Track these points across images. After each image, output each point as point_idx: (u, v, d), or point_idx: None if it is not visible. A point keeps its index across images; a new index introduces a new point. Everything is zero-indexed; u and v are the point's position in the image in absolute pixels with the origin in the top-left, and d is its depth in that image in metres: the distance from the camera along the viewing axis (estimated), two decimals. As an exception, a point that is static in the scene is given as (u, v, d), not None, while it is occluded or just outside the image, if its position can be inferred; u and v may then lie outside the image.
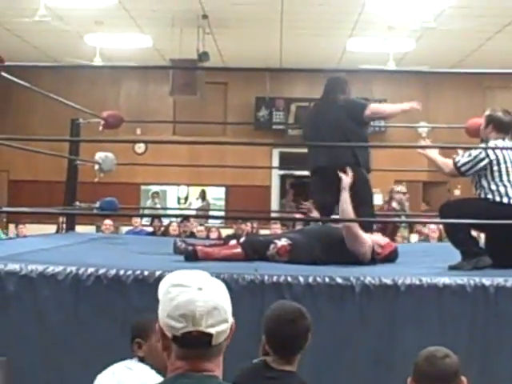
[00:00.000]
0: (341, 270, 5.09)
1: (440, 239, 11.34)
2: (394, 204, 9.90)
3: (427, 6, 11.07)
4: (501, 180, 5.60)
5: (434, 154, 5.93)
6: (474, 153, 5.65)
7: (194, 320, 1.94)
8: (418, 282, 4.69)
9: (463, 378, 3.02)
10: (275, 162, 16.64)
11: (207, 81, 13.63)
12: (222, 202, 17.34)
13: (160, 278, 4.55)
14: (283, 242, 5.75)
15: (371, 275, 4.73)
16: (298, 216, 8.92)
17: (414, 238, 12.01)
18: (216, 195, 17.77)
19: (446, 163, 5.80)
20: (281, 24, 12.39)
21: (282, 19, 12.18)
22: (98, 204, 8.32)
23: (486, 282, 4.74)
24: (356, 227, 5.78)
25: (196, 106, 15.17)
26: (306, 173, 16.85)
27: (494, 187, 5.61)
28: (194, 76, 12.31)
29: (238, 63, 13.74)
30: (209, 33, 12.75)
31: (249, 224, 13.18)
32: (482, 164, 5.60)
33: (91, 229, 13.00)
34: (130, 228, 13.85)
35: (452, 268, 5.46)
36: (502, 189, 5.60)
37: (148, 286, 4.48)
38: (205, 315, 1.94)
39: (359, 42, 13.53)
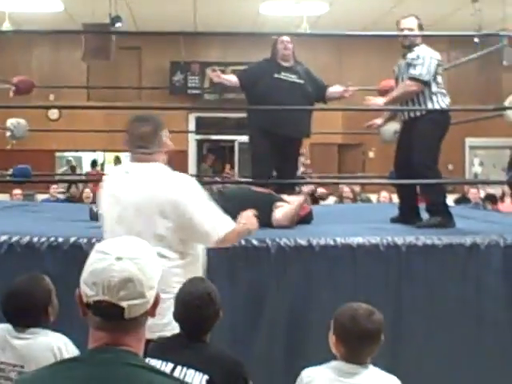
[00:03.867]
0: (256, 232, 5.12)
1: (354, 200, 11.51)
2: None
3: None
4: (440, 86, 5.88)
5: (388, 98, 6.02)
6: (421, 58, 5.80)
7: (104, 290, 1.88)
8: (332, 243, 4.76)
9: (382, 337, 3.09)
10: (191, 127, 16.57)
11: (121, 46, 13.44)
12: (139, 168, 17.16)
13: (75, 244, 4.52)
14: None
15: (286, 237, 4.77)
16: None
17: (331, 199, 12.14)
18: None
19: (406, 85, 5.87)
20: (194, -13, 12.29)
21: (196, -18, 12.09)
22: (10, 171, 8.17)
23: (398, 240, 4.84)
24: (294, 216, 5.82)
25: (110, 71, 14.96)
26: (223, 137, 16.97)
27: (439, 95, 5.85)
28: (106, 41, 12.09)
29: (152, 28, 13.57)
30: (121, -4, 12.55)
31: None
32: (434, 64, 5.79)
33: (5, 197, 12.75)
34: (47, 196, 13.59)
35: (420, 226, 5.65)
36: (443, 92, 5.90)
37: (63, 253, 4.45)
38: (117, 286, 1.88)
39: (272, 5, 13.51)
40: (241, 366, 3.03)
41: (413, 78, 5.81)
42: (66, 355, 3.03)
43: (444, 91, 5.93)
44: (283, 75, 6.68)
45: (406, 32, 6.02)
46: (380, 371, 3.08)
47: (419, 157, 5.79)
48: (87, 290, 1.91)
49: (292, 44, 6.85)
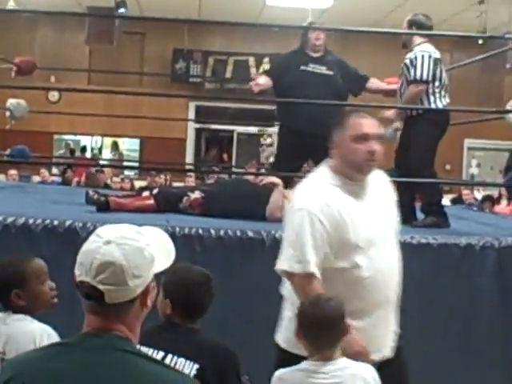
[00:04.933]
0: (253, 223, 5.12)
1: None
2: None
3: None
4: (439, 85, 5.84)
5: (391, 112, 6.06)
6: (419, 58, 5.78)
7: (87, 271, 1.88)
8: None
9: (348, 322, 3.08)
10: (191, 115, 16.55)
11: (124, 30, 13.43)
12: (137, 154, 17.20)
13: (70, 227, 4.51)
14: (196, 194, 5.75)
15: (282, 229, 4.77)
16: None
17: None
18: (131, 147, 17.62)
19: (412, 91, 5.81)
20: (201, -25, 12.27)
21: (202, -30, 12.06)
22: (8, 151, 8.16)
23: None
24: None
25: (112, 55, 14.94)
26: (222, 127, 16.96)
27: (437, 94, 5.84)
28: (110, 25, 12.08)
29: (157, 13, 13.54)
30: (127, -19, 12.54)
31: (162, 176, 13.12)
32: (432, 62, 5.76)
33: (1, 177, 12.74)
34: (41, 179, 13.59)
35: (415, 225, 5.63)
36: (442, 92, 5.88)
37: (58, 236, 4.44)
38: (96, 268, 1.87)
39: (279, -4, 13.51)
40: (233, 355, 3.02)
41: (414, 81, 5.80)
42: None
43: (443, 91, 5.91)
44: (311, 67, 6.35)
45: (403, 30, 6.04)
46: (352, 362, 3.07)
47: (415, 156, 5.81)
48: (76, 270, 1.92)
49: (324, 34, 6.52)
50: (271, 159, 10.15)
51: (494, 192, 12.01)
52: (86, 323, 1.94)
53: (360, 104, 6.16)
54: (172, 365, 2.86)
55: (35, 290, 3.12)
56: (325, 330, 3.02)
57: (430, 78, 5.80)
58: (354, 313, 3.17)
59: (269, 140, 10.70)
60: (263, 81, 6.48)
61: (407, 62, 5.86)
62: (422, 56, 5.79)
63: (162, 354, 2.93)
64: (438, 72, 5.85)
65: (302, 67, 6.35)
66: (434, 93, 5.85)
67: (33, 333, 2.99)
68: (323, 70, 6.34)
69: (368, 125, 3.34)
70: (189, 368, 2.91)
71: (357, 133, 3.31)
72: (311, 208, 3.25)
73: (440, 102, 5.87)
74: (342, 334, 3.05)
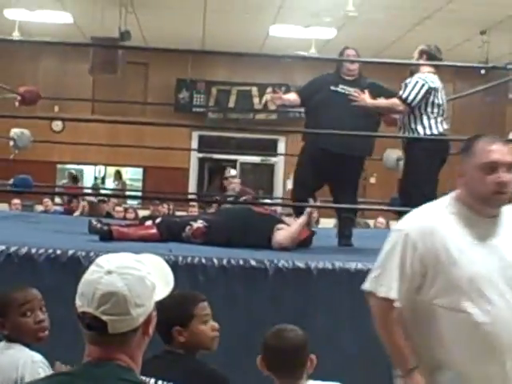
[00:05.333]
0: (255, 252, 5.12)
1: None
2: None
3: (350, -5, 11.17)
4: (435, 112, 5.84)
5: (374, 101, 6.04)
6: (413, 82, 5.83)
7: (89, 302, 1.87)
8: (330, 267, 4.75)
9: (312, 356, 3.07)
10: (194, 145, 16.60)
11: (128, 60, 13.49)
12: (140, 183, 17.21)
13: (73, 257, 4.51)
14: (199, 223, 5.75)
15: (285, 258, 4.76)
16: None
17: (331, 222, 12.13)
18: (134, 176, 17.64)
19: (394, 102, 5.91)
20: (204, 6, 12.32)
21: (206, 1, 12.12)
22: (11, 181, 8.18)
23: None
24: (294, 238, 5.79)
25: (116, 85, 14.98)
26: (225, 156, 16.97)
27: (432, 120, 5.84)
28: (114, 55, 12.15)
29: (160, 44, 13.62)
30: (131, 12, 12.59)
31: (165, 206, 13.11)
32: (424, 90, 5.78)
33: (4, 206, 12.74)
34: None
35: None
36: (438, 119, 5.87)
37: (61, 265, 4.43)
38: (99, 299, 1.87)
39: (282, 28, 13.56)
40: (225, 382, 3.03)
41: (400, 98, 5.87)
42: (27, 377, 2.88)
43: (440, 117, 5.92)
44: (340, 88, 6.32)
45: (413, 61, 6.10)
46: (321, 382, 3.08)
47: (413, 187, 5.83)
48: (77, 301, 1.91)
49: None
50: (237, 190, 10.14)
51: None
52: (87, 353, 1.93)
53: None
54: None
55: (15, 321, 3.10)
56: (287, 359, 3.03)
57: (415, 103, 5.83)
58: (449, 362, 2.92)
59: (233, 172, 10.69)
60: (290, 97, 6.58)
61: (402, 84, 5.93)
62: (416, 82, 5.86)
63: (152, 380, 2.91)
64: (432, 100, 5.86)
65: (332, 87, 6.34)
66: (428, 119, 5.87)
67: (16, 361, 2.98)
68: (352, 91, 6.26)
69: (499, 151, 2.94)
70: None
71: (485, 160, 2.93)
72: (410, 231, 2.99)
73: (436, 128, 5.88)
74: (304, 362, 3.05)
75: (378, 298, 3.00)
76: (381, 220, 11.34)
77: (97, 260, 1.96)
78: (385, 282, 2.98)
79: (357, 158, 6.40)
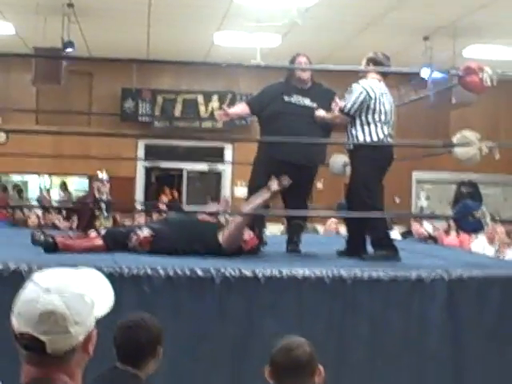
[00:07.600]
0: (202, 261, 5.08)
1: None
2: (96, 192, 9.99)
3: (294, 1, 11.18)
4: (375, 118, 5.89)
5: (322, 113, 6.13)
6: (353, 91, 5.91)
7: (27, 322, 1.82)
8: (277, 274, 4.74)
9: (320, 367, 3.07)
10: (140, 154, 16.48)
11: (72, 70, 13.36)
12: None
13: (15, 271, 4.42)
14: (145, 232, 5.71)
15: (232, 267, 4.74)
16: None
17: (278, 229, 12.10)
18: (79, 186, 17.45)
19: (335, 116, 6.03)
20: (148, 15, 12.25)
21: (150, 10, 12.06)
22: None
23: (344, 273, 4.83)
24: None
25: (60, 95, 14.83)
26: (171, 165, 16.89)
27: (372, 126, 5.89)
28: (57, 65, 12.01)
29: (105, 53, 13.53)
30: (74, 22, 12.47)
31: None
32: (361, 98, 5.82)
33: None
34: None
35: (366, 259, 5.63)
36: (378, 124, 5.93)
37: (2, 280, 4.35)
38: (38, 319, 1.80)
39: (227, 36, 13.55)
40: None
41: (341, 110, 5.92)
42: None
43: (381, 124, 5.94)
44: (294, 98, 6.29)
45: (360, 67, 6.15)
46: None
47: (354, 193, 5.88)
48: (14, 321, 1.85)
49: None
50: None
51: (444, 223, 12.11)
52: (25, 374, 1.87)
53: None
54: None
55: None
56: (294, 373, 3.01)
57: (352, 111, 5.90)
58: None
59: (103, 176, 10.40)
60: (238, 109, 6.61)
61: (348, 88, 5.97)
62: (355, 90, 5.91)
63: None
64: (373, 107, 5.89)
65: (286, 98, 6.30)
66: (368, 125, 5.91)
67: None
68: (306, 101, 6.27)
69: None
70: None
71: None
72: None
73: (376, 134, 5.91)
74: (312, 375, 3.03)
75: None
76: (333, 225, 11.29)
77: (33, 277, 1.90)
78: None
79: (313, 167, 6.44)
